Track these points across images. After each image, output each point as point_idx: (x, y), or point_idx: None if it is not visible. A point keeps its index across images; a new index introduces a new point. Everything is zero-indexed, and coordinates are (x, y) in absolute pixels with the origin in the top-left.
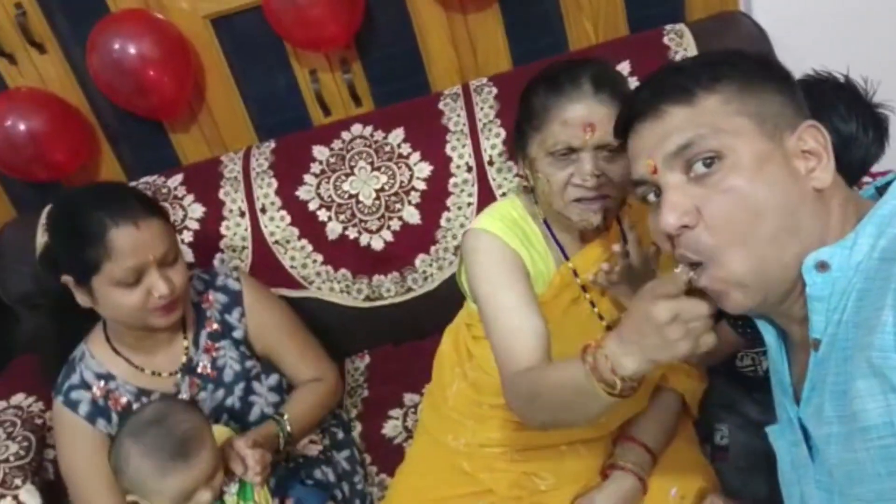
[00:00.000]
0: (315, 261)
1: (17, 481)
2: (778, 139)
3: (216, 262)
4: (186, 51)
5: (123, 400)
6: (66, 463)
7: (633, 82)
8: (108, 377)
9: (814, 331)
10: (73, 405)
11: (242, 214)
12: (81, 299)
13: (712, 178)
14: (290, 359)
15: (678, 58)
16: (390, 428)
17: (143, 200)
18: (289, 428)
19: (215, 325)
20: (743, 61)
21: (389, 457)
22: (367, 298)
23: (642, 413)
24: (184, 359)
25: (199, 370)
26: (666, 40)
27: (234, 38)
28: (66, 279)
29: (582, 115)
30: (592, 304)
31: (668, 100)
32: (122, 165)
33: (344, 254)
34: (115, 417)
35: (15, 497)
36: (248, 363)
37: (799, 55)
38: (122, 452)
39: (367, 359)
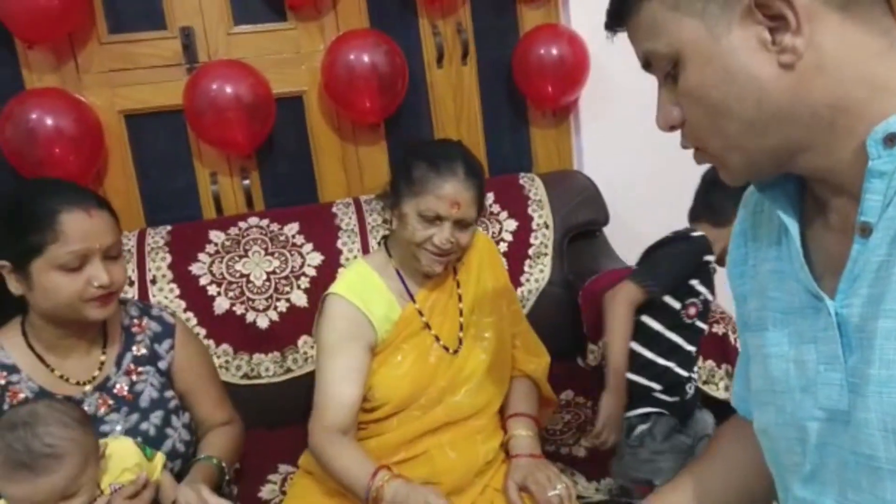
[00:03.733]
0: (198, 334)
1: None
2: (726, 22)
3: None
4: (98, 136)
5: (21, 395)
6: None
7: (497, 209)
8: (11, 369)
9: (864, 213)
10: None
11: (132, 284)
12: (14, 286)
13: (678, 82)
14: (208, 400)
15: (531, 195)
16: (267, 491)
17: (97, 195)
18: (227, 473)
19: (143, 350)
20: None
21: None
22: (245, 376)
23: (512, 395)
24: (97, 373)
25: (115, 390)
26: (521, 182)
27: (143, 135)
28: (2, 264)
29: (452, 195)
30: (437, 339)
31: (618, 21)
32: None
33: (228, 329)
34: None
35: None
36: (168, 393)
37: (620, 199)
38: None
39: None
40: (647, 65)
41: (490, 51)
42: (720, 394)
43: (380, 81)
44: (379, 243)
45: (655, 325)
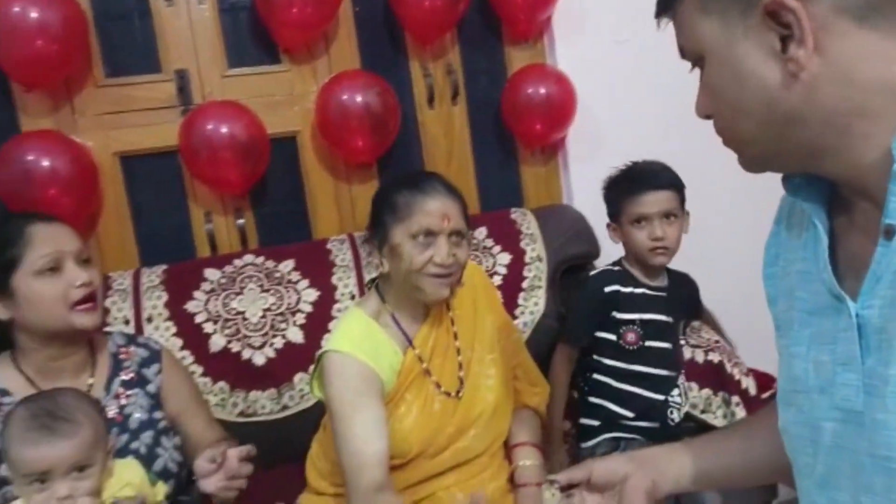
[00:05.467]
0: (194, 372)
1: None
2: (743, 27)
3: None
4: (93, 178)
5: None
6: None
7: (490, 243)
8: (2, 392)
9: (889, 215)
10: None
11: (127, 322)
12: (1, 311)
13: (703, 78)
14: (199, 420)
15: (523, 229)
16: None
17: (54, 216)
18: None
19: (131, 375)
20: None
21: None
22: (242, 414)
23: (515, 425)
24: None
25: (105, 413)
26: (513, 216)
27: (138, 176)
28: None
29: (440, 207)
30: (438, 386)
31: (662, 13)
32: None
33: (224, 367)
34: None
35: None
36: (157, 414)
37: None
38: (9, 417)
39: None
40: (683, 55)
41: (479, 91)
42: (718, 422)
43: (372, 121)
44: (367, 287)
45: (605, 360)
